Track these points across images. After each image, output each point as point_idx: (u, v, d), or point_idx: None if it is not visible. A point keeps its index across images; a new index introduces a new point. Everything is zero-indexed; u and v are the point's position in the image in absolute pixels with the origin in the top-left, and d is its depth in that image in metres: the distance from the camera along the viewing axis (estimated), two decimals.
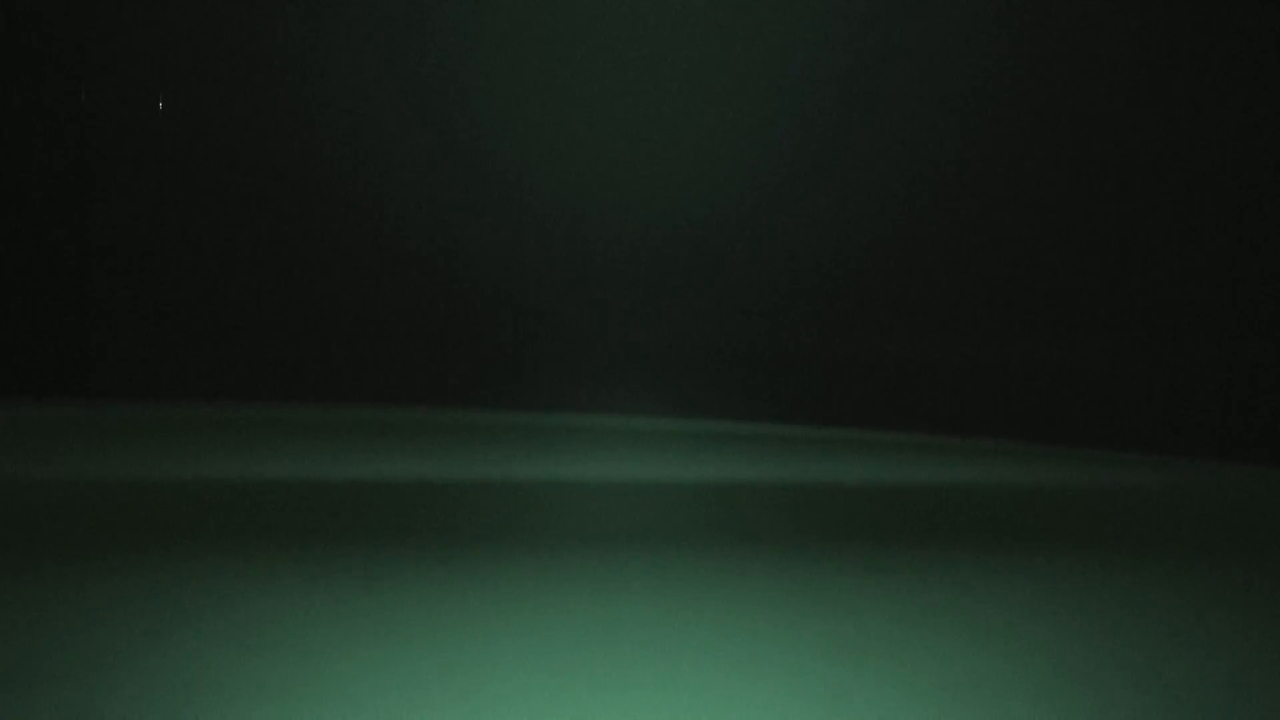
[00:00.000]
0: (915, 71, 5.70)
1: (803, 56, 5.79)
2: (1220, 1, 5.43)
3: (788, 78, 5.80)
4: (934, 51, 5.68)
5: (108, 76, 5.96)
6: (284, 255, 6.01)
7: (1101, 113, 5.56)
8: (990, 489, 4.51)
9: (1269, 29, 5.38)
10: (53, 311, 5.98)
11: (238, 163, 5.98)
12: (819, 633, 2.69)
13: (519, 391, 6.00)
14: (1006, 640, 2.68)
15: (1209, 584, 3.22)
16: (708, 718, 2.21)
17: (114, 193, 5.98)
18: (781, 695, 2.30)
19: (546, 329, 5.96)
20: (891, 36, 5.71)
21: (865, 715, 2.22)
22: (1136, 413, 5.58)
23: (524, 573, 3.14)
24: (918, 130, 5.71)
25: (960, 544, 3.61)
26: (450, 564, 3.20)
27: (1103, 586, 3.17)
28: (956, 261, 5.72)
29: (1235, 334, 5.46)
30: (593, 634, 2.65)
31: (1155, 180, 5.55)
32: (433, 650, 2.51)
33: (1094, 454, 5.53)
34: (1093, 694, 2.35)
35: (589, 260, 5.95)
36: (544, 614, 2.79)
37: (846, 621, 2.79)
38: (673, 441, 5.38)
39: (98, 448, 4.75)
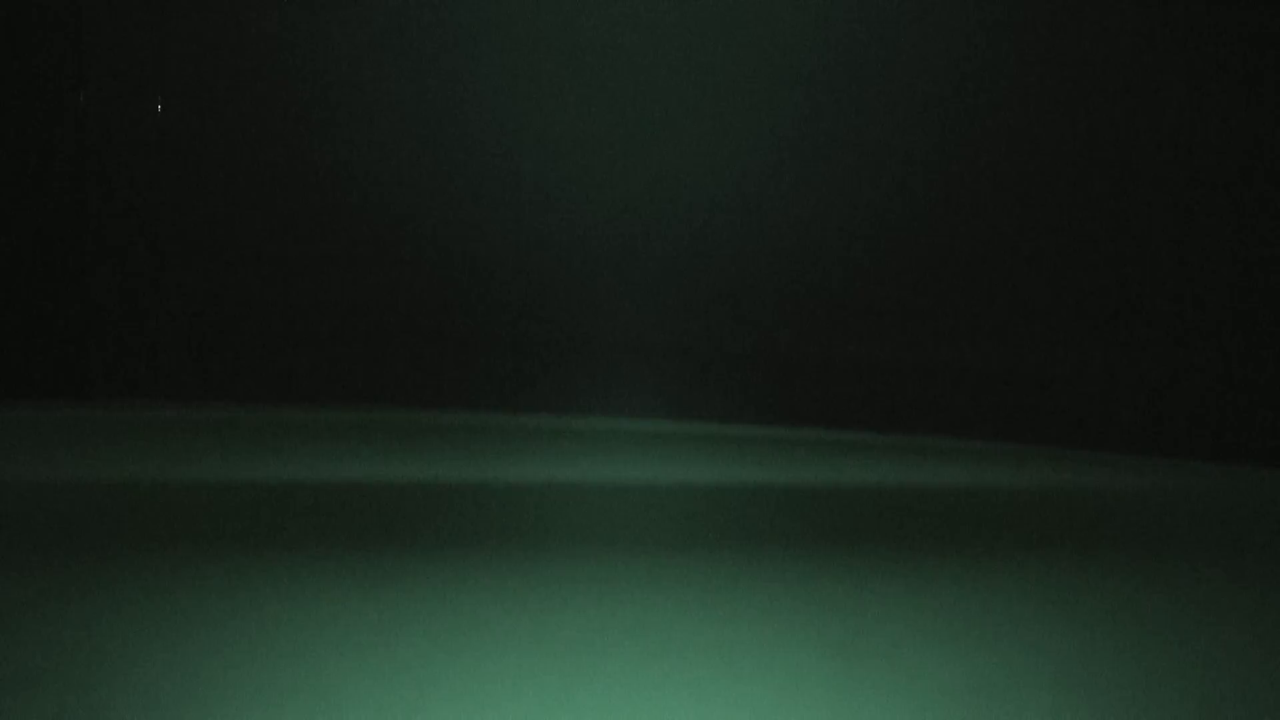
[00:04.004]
0: (909, 70, 5.70)
1: (798, 56, 5.78)
2: (1219, 2, 5.42)
3: (783, 77, 5.80)
4: (929, 50, 5.67)
5: (108, 76, 5.96)
6: (284, 255, 6.01)
7: (1099, 110, 5.56)
8: (991, 491, 4.51)
9: (1268, 29, 5.38)
10: (53, 311, 5.98)
11: (237, 162, 5.98)
12: (818, 635, 2.69)
13: (518, 393, 6.00)
14: (1008, 643, 2.67)
15: (1210, 586, 3.22)
16: None
17: (114, 192, 5.98)
18: (781, 698, 2.30)
19: (546, 329, 5.96)
20: (886, 35, 5.71)
21: (865, 718, 2.22)
22: (1135, 414, 5.57)
23: (523, 575, 3.14)
24: (913, 130, 5.71)
25: (961, 546, 3.61)
26: (448, 566, 3.20)
27: (1104, 589, 3.17)
28: (956, 261, 5.71)
29: (1234, 334, 5.45)
30: (591, 636, 2.64)
31: (1154, 179, 5.54)
32: (432, 652, 2.51)
33: (1095, 456, 5.53)
34: (1094, 697, 2.35)
35: (589, 260, 5.94)
36: (542, 616, 2.79)
37: (847, 624, 2.79)
38: (672, 444, 5.38)
39: (98, 448, 4.75)
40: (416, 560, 3.23)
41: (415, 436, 5.28)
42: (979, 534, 3.77)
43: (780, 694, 2.32)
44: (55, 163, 5.95)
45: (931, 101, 5.69)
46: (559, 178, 5.96)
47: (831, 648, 2.60)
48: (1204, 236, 5.49)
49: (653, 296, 5.94)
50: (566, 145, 5.95)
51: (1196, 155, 5.49)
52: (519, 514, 3.84)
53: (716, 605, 2.90)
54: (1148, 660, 2.57)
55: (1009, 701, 2.30)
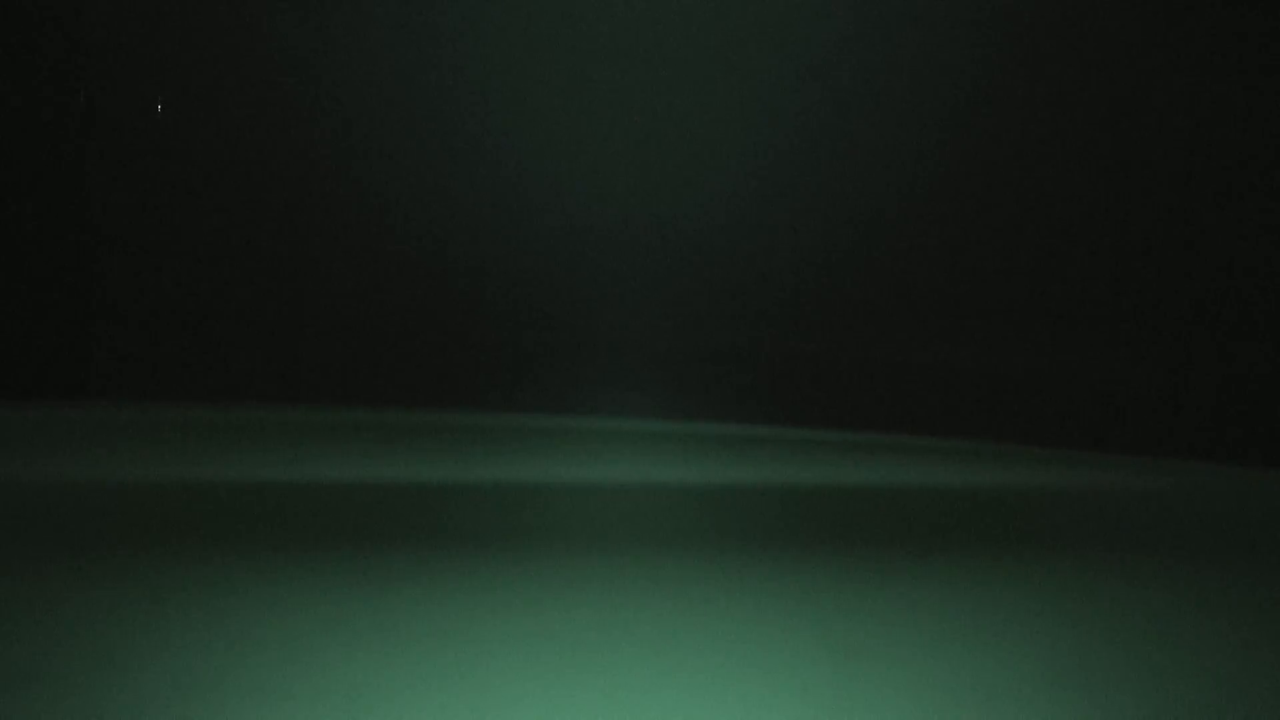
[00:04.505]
0: (908, 69, 5.70)
1: (797, 56, 5.79)
2: (1219, 2, 5.42)
3: (781, 77, 5.80)
4: (928, 50, 5.68)
5: (108, 76, 5.96)
6: (284, 255, 6.01)
7: (1098, 110, 5.56)
8: (991, 491, 4.51)
9: (1268, 29, 5.38)
10: (53, 311, 5.98)
11: (238, 162, 5.99)
12: (819, 636, 2.69)
13: (518, 393, 6.00)
14: (1008, 643, 2.67)
15: (1209, 587, 3.22)
16: None
17: (114, 192, 5.98)
18: (781, 698, 2.30)
19: (546, 330, 5.96)
20: (884, 34, 5.71)
21: (865, 718, 2.22)
22: (1135, 414, 5.58)
23: (524, 576, 3.14)
24: (913, 130, 5.71)
25: (959, 546, 3.61)
26: (448, 566, 3.20)
27: (1104, 589, 3.17)
28: (955, 262, 5.72)
29: (1234, 334, 5.45)
30: (590, 636, 2.65)
31: (1154, 179, 5.55)
32: (433, 653, 2.51)
33: (1095, 457, 5.53)
34: (1094, 697, 2.35)
35: (588, 261, 5.94)
36: (544, 617, 2.79)
37: (846, 624, 2.79)
38: (672, 444, 5.38)
39: (98, 448, 4.75)
40: (416, 560, 3.24)
41: (415, 436, 5.28)
42: (978, 534, 3.78)
43: (780, 694, 2.32)
44: (55, 163, 5.96)
45: (931, 101, 5.70)
46: (559, 179, 5.96)
47: (831, 648, 2.60)
48: (1205, 237, 5.49)
49: (652, 297, 5.94)
50: (567, 147, 5.96)
51: (1197, 155, 5.49)
52: (519, 514, 3.84)
53: (716, 605, 2.90)
54: (1147, 660, 2.57)
55: (1009, 701, 2.30)
